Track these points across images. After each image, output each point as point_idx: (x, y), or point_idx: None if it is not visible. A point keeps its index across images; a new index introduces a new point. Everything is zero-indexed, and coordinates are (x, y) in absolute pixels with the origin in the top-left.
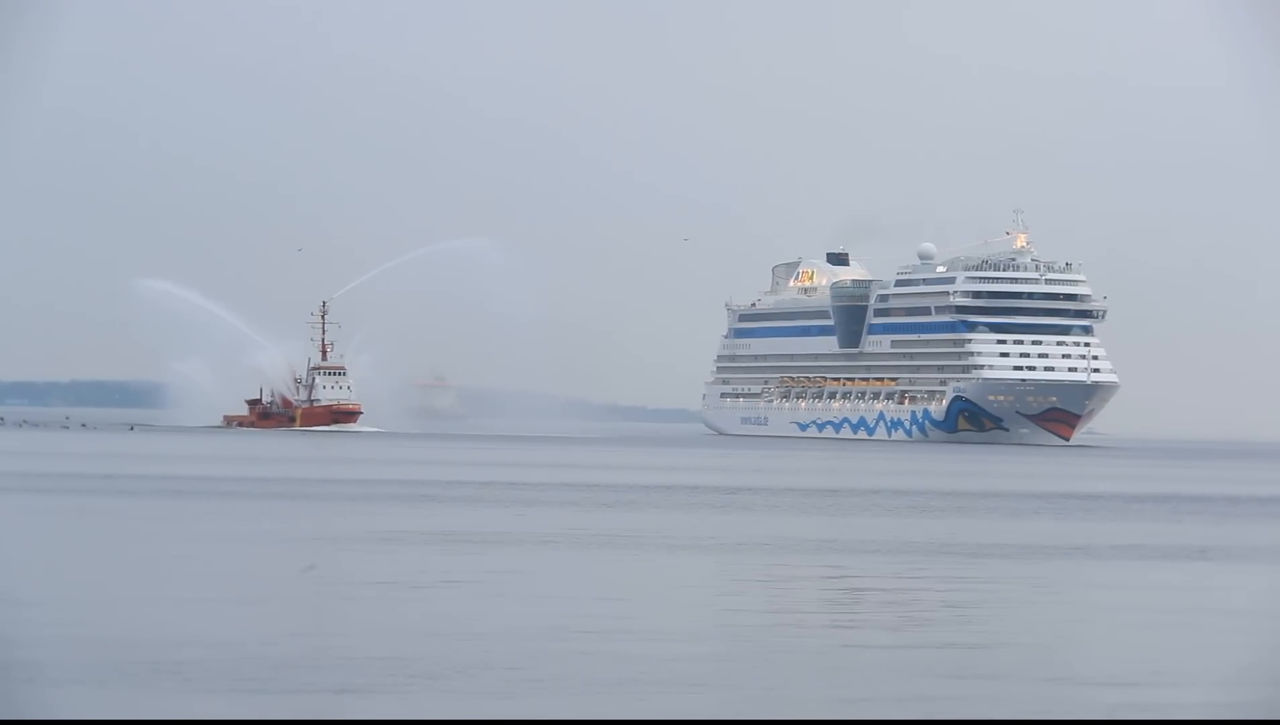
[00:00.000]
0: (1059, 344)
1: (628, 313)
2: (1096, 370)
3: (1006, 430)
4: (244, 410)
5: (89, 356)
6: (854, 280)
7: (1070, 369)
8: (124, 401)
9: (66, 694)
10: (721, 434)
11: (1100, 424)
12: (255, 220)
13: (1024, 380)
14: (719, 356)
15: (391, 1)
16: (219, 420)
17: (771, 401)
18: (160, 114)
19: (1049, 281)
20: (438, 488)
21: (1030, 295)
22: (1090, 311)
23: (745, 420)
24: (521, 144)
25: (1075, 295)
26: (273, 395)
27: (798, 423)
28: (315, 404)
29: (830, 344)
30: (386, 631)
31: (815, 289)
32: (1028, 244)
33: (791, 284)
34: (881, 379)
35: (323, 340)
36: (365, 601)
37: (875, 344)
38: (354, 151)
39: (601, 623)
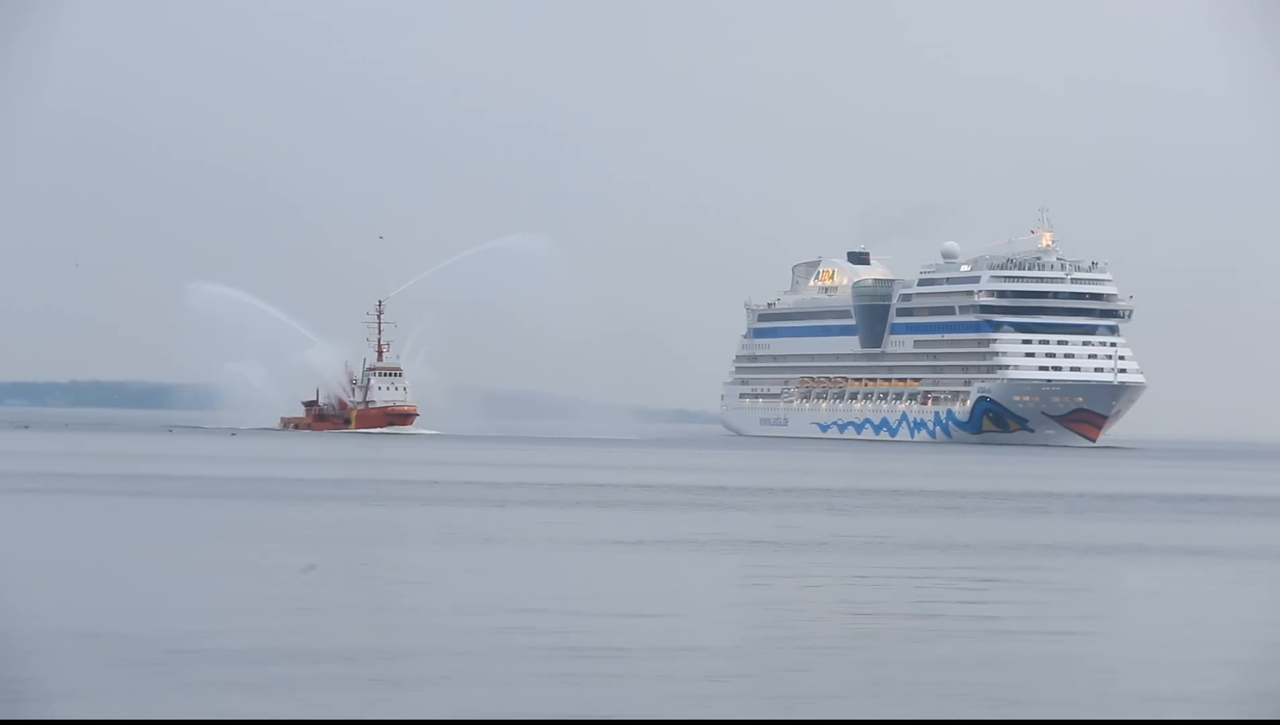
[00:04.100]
0: (1085, 344)
1: (641, 313)
2: (1123, 370)
3: (1032, 431)
4: (300, 412)
5: (93, 358)
6: (876, 279)
7: (1096, 369)
8: (124, 402)
9: (68, 693)
10: (740, 435)
11: (1126, 424)
12: (264, 222)
13: (1050, 381)
14: (738, 357)
15: (395, 5)
16: (274, 422)
17: (792, 402)
18: (163, 116)
19: (1075, 281)
20: (453, 489)
21: (1056, 294)
22: (1116, 311)
23: (765, 421)
24: (528, 148)
25: (1101, 294)
26: (329, 397)
27: (818, 424)
28: (370, 405)
29: (852, 344)
30: (389, 631)
31: (836, 288)
32: (1053, 243)
33: (812, 283)
34: (904, 379)
35: (379, 340)
36: (368, 600)
37: (898, 344)
38: (359, 155)
39: (612, 622)
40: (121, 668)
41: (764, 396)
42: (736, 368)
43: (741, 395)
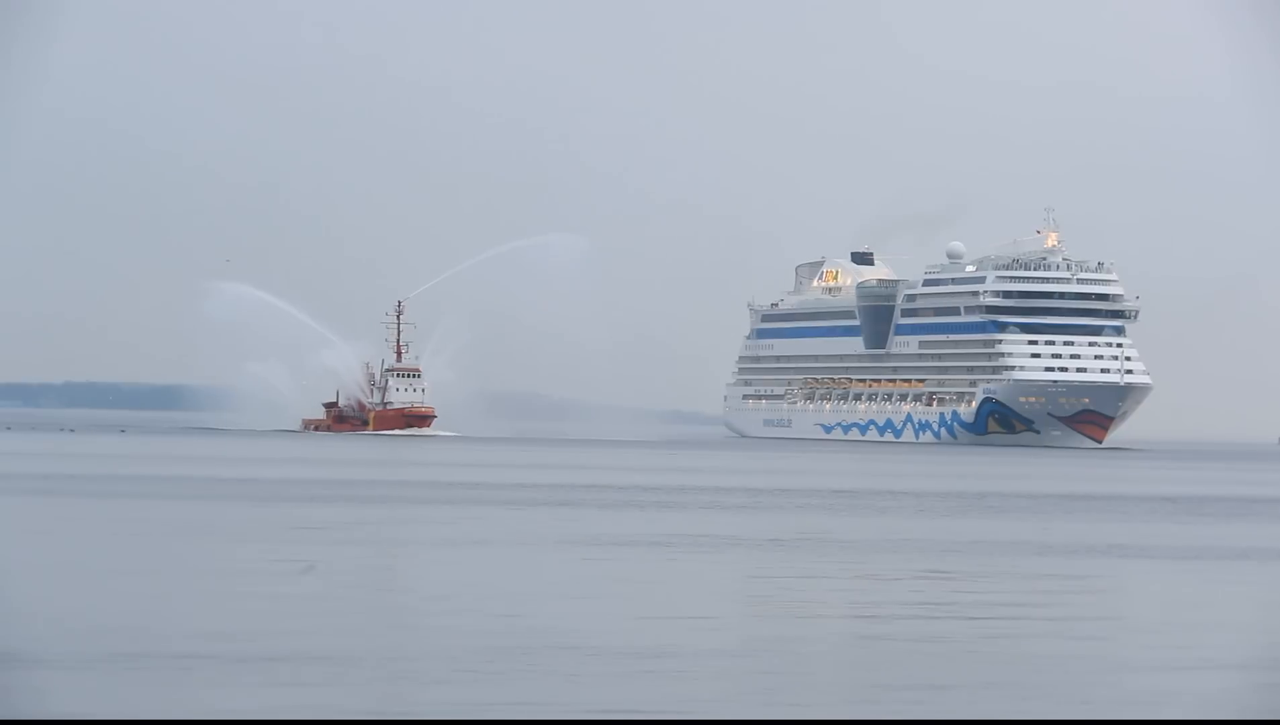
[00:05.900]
0: (1091, 345)
1: (644, 314)
2: (1130, 372)
3: (1037, 432)
4: (321, 413)
5: (92, 360)
6: (880, 280)
7: (1103, 370)
8: (120, 404)
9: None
10: (743, 436)
11: (1132, 426)
12: (275, 224)
13: (1056, 381)
14: (741, 357)
15: (395, 6)
16: (295, 424)
17: (795, 403)
18: (166, 117)
19: (1081, 281)
20: (452, 490)
21: (1062, 295)
22: (1123, 312)
23: (768, 422)
24: (531, 151)
25: (1107, 295)
26: (348, 398)
27: (822, 425)
28: (388, 407)
29: (856, 345)
30: (389, 631)
31: (840, 289)
32: (1058, 243)
33: (815, 284)
34: (909, 380)
35: (397, 341)
36: (368, 601)
37: (902, 345)
38: (363, 155)
39: (613, 621)
40: (122, 667)
41: (767, 397)
42: (739, 368)
43: (745, 396)
